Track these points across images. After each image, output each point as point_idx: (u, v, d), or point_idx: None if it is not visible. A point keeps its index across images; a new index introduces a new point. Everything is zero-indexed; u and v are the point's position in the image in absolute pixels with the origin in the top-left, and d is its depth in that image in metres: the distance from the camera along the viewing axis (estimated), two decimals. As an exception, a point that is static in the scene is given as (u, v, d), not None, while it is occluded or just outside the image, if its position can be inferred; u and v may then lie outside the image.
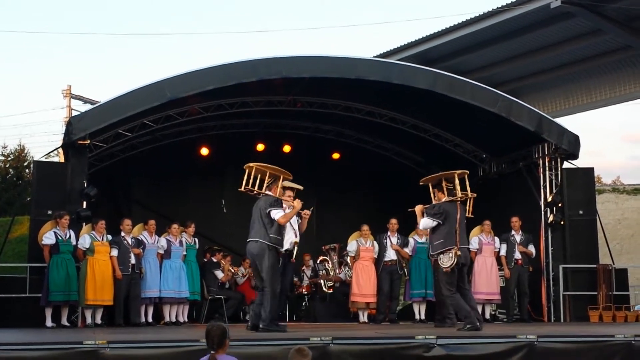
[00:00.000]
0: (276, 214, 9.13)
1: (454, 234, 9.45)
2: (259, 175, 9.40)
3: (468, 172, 9.89)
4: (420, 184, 10.23)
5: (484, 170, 14.93)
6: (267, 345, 7.25)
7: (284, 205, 9.37)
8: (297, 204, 9.25)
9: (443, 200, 9.73)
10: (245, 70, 11.94)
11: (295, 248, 10.14)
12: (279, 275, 9.27)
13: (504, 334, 8.20)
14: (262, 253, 9.15)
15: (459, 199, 9.65)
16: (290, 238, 10.04)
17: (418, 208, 9.81)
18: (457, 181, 9.66)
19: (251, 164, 9.42)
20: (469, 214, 10.10)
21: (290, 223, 9.89)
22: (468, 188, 9.74)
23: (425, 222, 9.76)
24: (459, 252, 9.38)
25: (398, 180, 15.22)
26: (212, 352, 5.22)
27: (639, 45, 16.97)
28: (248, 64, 11.98)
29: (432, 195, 9.93)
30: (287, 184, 9.51)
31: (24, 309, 10.95)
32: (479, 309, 12.60)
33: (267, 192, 9.37)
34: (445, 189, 9.74)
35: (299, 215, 9.85)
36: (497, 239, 12.68)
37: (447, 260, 9.45)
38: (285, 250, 9.93)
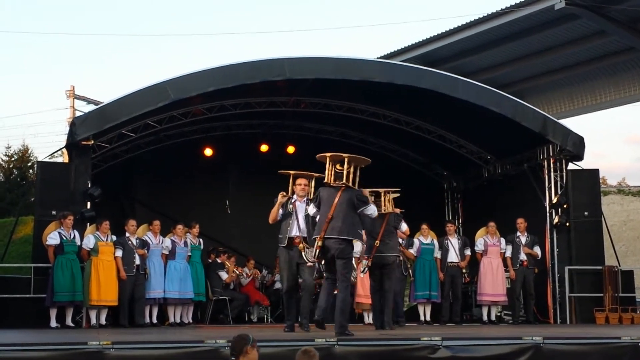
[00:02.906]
0: None
1: (324, 222, 8.42)
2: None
3: (368, 160, 8.83)
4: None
5: (488, 172, 14.93)
6: (271, 346, 7.22)
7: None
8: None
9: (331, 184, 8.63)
10: (248, 71, 11.95)
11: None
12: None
13: (510, 335, 8.20)
14: None
15: (339, 184, 8.51)
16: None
17: None
18: (345, 166, 8.53)
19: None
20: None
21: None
22: (351, 177, 8.52)
23: (309, 208, 8.89)
24: (319, 243, 8.41)
25: (402, 181, 15.17)
26: (232, 359, 5.38)
27: (644, 47, 16.96)
28: (251, 65, 11.99)
29: None
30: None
31: (29, 310, 10.97)
32: (485, 310, 12.63)
33: None
34: (333, 172, 8.59)
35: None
36: (503, 240, 12.65)
37: (309, 252, 8.75)
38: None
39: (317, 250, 8.49)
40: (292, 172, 9.42)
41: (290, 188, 9.42)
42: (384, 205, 10.11)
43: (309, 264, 9.12)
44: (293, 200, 9.30)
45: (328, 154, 8.70)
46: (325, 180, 8.66)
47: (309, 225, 9.13)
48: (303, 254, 9.05)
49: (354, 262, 12.80)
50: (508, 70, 19.17)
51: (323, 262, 8.73)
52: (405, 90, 12.68)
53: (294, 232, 9.22)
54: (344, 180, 8.54)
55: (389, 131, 14.89)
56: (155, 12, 68.24)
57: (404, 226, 10.55)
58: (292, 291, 9.47)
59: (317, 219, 8.67)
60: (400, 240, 12.11)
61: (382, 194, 10.18)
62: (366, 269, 10.21)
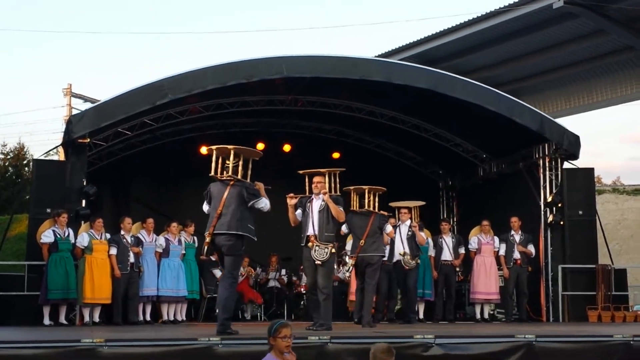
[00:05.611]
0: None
1: (214, 217, 8.29)
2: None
3: (260, 153, 8.62)
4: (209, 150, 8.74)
5: (484, 170, 14.95)
6: (265, 344, 7.21)
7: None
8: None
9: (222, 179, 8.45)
10: (246, 69, 11.94)
11: (403, 258, 11.30)
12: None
13: (503, 333, 8.19)
14: None
15: (227, 179, 8.39)
16: (398, 249, 11.20)
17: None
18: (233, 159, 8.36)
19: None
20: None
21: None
22: (240, 170, 8.32)
23: (203, 205, 8.66)
24: (207, 240, 8.30)
25: (398, 179, 15.21)
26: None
27: (641, 46, 16.96)
28: (249, 63, 11.98)
29: None
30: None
31: (22, 307, 10.95)
32: (478, 308, 12.66)
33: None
34: (220, 166, 8.45)
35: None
36: (496, 239, 12.67)
37: (318, 251, 8.92)
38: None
39: (206, 247, 8.35)
40: (214, 146, 8.65)
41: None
42: (368, 205, 10.11)
43: (318, 262, 9.05)
44: (310, 199, 9.28)
45: (214, 147, 8.42)
46: (212, 173, 8.45)
47: (322, 222, 9.12)
48: (312, 252, 9.05)
49: (347, 259, 12.81)
50: (505, 69, 19.17)
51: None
52: (402, 89, 12.69)
53: (309, 231, 9.17)
54: (231, 174, 8.30)
55: (385, 130, 14.92)
56: (153, 11, 68.23)
57: (389, 228, 10.56)
58: (312, 290, 9.37)
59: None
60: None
61: (367, 193, 10.18)
62: (351, 267, 10.23)
